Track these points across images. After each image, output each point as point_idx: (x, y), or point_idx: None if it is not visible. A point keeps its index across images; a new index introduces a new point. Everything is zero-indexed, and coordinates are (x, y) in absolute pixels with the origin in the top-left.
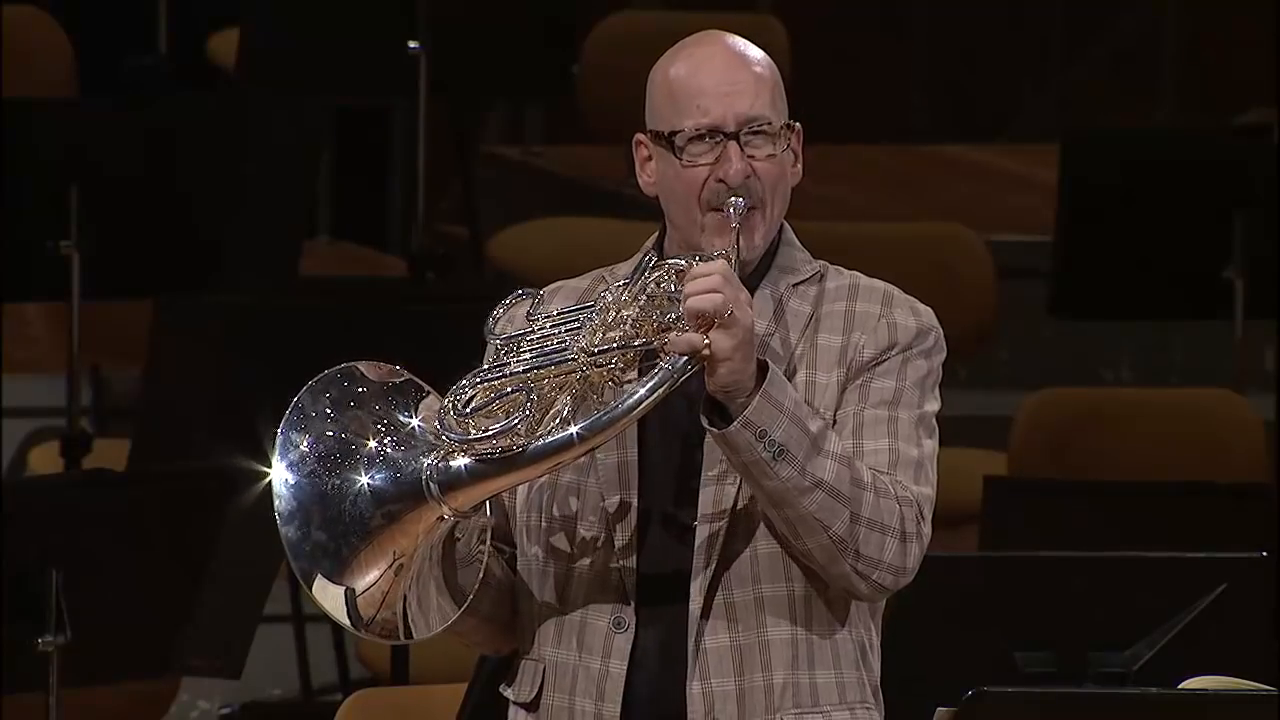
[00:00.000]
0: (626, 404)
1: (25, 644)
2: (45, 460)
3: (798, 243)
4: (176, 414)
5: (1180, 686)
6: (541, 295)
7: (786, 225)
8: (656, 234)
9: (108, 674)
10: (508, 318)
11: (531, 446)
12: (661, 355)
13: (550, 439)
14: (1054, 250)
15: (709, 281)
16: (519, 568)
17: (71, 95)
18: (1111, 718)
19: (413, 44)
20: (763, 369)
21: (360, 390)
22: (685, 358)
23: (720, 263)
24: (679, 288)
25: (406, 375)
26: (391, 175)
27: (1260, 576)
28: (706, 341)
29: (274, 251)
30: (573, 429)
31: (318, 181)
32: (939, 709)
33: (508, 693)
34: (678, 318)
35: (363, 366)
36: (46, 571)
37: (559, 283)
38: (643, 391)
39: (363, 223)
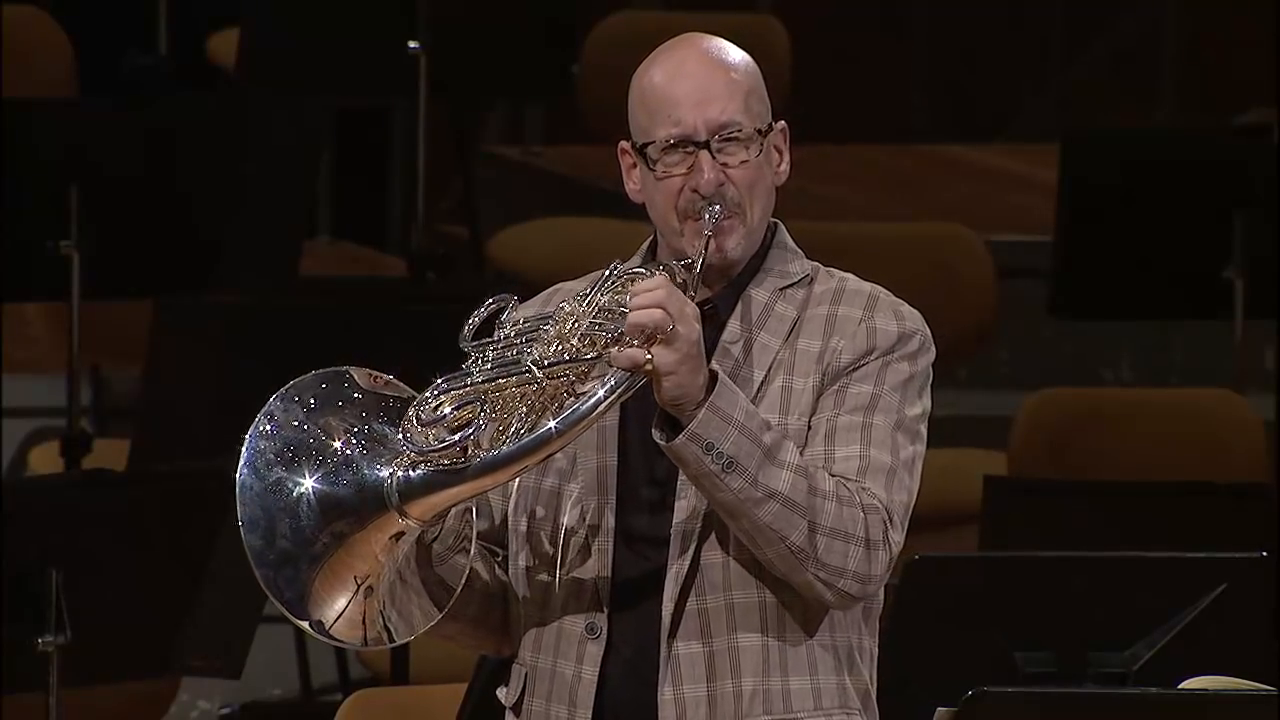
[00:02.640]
0: (578, 413)
1: (25, 644)
2: (45, 460)
3: (792, 245)
4: (176, 414)
5: (1180, 686)
6: (515, 301)
7: (782, 227)
8: (650, 238)
9: (108, 674)
10: (480, 325)
11: (487, 456)
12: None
13: (503, 450)
14: (1054, 250)
15: (649, 297)
16: (509, 572)
17: (71, 95)
18: (1111, 718)
19: (413, 44)
20: (715, 380)
21: (349, 396)
22: (628, 372)
23: (662, 277)
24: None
25: (400, 391)
26: (391, 175)
27: (1260, 576)
28: (648, 356)
29: (274, 251)
30: (546, 427)
31: (318, 181)
32: (939, 709)
33: (501, 696)
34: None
35: (354, 372)
36: (46, 571)
37: (557, 285)
38: (589, 404)
39: (363, 223)
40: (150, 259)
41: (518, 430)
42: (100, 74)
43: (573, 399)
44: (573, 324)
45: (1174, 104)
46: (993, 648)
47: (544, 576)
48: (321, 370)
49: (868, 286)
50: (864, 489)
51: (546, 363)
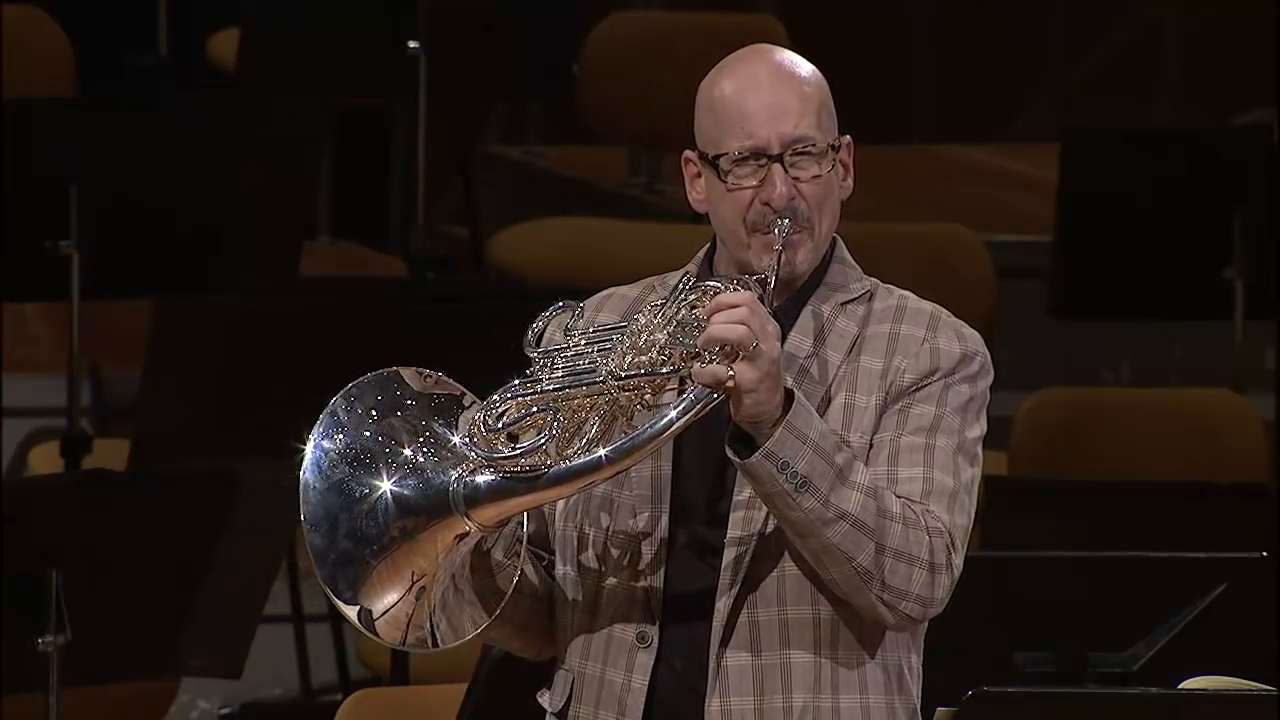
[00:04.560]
0: (649, 432)
1: (25, 644)
2: (45, 460)
3: (851, 259)
4: (176, 414)
5: (1180, 686)
6: (581, 308)
7: (840, 241)
8: (708, 246)
9: (108, 674)
10: (548, 331)
11: (557, 468)
12: (688, 384)
13: (576, 461)
14: (1054, 250)
15: (734, 313)
16: (556, 576)
17: (71, 95)
18: (1111, 718)
19: (413, 44)
20: (790, 398)
21: (404, 399)
22: (709, 389)
23: (747, 294)
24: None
25: (450, 388)
26: (391, 175)
27: (1260, 576)
28: (731, 373)
29: (274, 251)
30: (601, 451)
31: (318, 181)
32: (939, 709)
33: (543, 700)
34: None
35: (406, 374)
36: (46, 571)
37: (610, 289)
38: (663, 423)
39: (363, 223)
40: (150, 259)
41: (589, 441)
42: (100, 74)
43: (645, 412)
44: (648, 336)
45: (1174, 104)
46: (993, 648)
47: (595, 583)
48: (376, 372)
49: (929, 306)
50: (929, 511)
51: (622, 374)
